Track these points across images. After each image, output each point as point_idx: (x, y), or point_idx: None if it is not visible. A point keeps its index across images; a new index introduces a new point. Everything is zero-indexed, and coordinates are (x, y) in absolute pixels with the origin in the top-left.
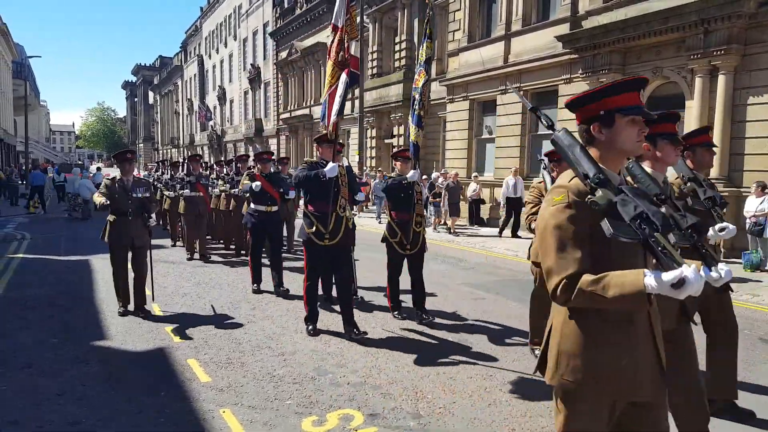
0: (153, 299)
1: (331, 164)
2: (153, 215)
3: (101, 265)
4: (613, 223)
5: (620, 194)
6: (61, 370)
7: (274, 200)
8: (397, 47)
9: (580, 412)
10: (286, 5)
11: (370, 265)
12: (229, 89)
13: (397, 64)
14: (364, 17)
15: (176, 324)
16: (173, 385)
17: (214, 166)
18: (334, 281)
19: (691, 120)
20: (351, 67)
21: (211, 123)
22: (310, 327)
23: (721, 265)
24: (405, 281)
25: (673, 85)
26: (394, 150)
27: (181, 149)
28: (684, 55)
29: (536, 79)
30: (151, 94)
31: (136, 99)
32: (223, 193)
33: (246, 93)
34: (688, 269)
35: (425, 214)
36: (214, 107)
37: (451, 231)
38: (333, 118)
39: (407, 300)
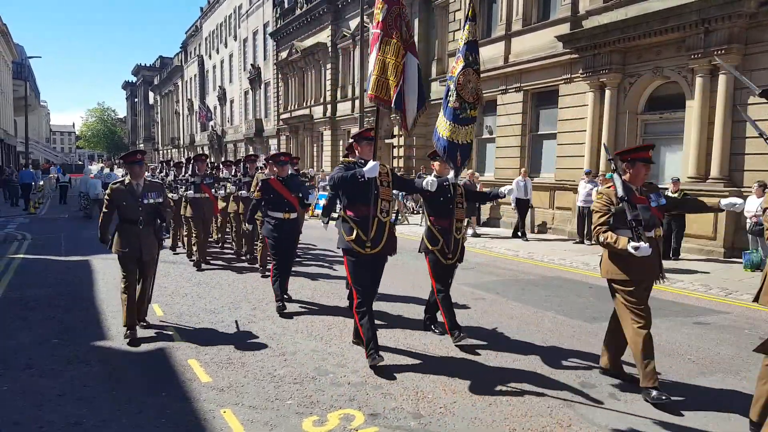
0: (151, 300)
1: (371, 163)
2: (164, 226)
3: (102, 266)
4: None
5: None
6: (61, 371)
7: (293, 207)
8: None
9: None
10: (286, 5)
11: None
12: (229, 89)
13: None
14: (364, 17)
15: (177, 324)
16: (174, 385)
17: (220, 167)
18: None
19: (691, 120)
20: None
21: (211, 123)
22: (372, 353)
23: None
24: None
25: (674, 85)
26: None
27: (182, 149)
28: (684, 55)
29: (536, 78)
30: (151, 94)
31: (136, 99)
32: (231, 196)
33: (246, 93)
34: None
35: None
36: (215, 107)
37: (474, 232)
38: (412, 112)
39: (411, 311)
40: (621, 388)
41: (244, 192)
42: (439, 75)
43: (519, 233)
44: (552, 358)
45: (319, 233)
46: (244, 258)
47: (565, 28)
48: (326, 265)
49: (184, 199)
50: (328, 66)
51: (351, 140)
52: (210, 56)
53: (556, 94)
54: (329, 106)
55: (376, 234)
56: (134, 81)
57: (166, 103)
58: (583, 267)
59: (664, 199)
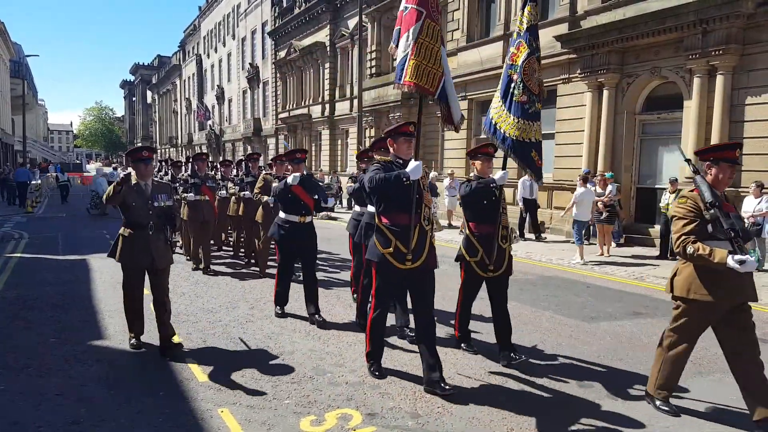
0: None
1: (413, 163)
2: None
3: (100, 265)
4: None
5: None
6: (60, 370)
7: (309, 209)
8: None
9: None
10: (284, 4)
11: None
12: (227, 88)
13: (395, 63)
14: (363, 17)
15: (174, 324)
16: (172, 384)
17: (219, 167)
18: (411, 312)
19: (689, 120)
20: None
21: (209, 122)
22: (374, 367)
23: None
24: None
25: (672, 85)
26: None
27: (180, 149)
28: (682, 55)
29: None
30: (149, 93)
31: (134, 98)
32: (233, 197)
33: (244, 92)
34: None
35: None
36: (213, 107)
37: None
38: (456, 106)
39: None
40: (619, 389)
41: (247, 193)
42: None
43: (535, 235)
44: (550, 357)
45: (319, 233)
46: (253, 262)
47: (563, 28)
48: (325, 265)
49: (182, 201)
50: (327, 65)
51: (384, 135)
52: (208, 55)
53: (554, 94)
54: (327, 106)
55: (418, 245)
56: (132, 80)
57: (164, 102)
58: (581, 267)
59: None
